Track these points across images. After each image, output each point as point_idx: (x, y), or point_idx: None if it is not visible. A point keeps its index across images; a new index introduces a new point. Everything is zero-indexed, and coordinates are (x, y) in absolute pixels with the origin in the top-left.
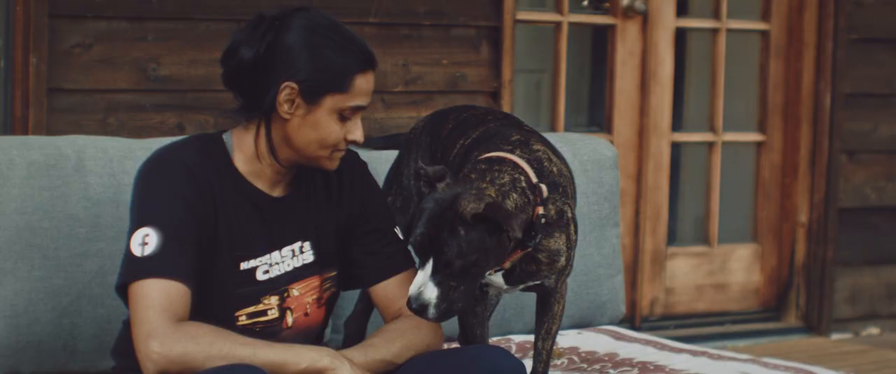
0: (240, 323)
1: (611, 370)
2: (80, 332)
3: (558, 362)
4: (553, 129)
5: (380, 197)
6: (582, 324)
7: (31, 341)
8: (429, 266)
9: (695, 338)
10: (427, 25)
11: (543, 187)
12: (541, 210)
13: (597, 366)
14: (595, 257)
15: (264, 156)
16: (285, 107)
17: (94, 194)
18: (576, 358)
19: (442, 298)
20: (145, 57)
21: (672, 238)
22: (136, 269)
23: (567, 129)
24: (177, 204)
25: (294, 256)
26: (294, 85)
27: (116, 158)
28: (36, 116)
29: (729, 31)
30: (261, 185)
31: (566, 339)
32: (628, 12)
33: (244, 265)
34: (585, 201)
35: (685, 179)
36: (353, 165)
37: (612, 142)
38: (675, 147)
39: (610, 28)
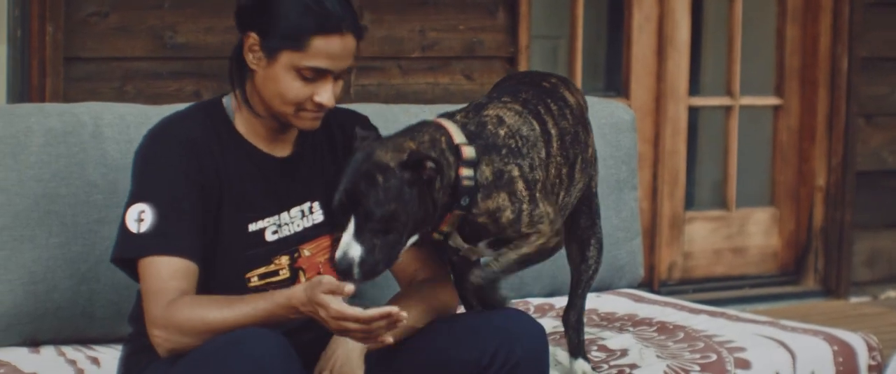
0: (252, 284)
1: (630, 328)
2: (99, 298)
3: None
4: None
5: None
6: (600, 287)
7: (50, 307)
8: (351, 225)
9: (713, 302)
10: None
11: (465, 149)
12: (464, 171)
13: (617, 324)
14: (613, 221)
15: (243, 108)
16: (250, 56)
17: (111, 161)
18: (596, 317)
19: (366, 254)
20: (162, 25)
21: (690, 202)
22: (134, 246)
23: (584, 94)
24: (174, 179)
25: (304, 216)
26: (255, 36)
27: (133, 125)
28: (53, 84)
29: None
30: (263, 145)
31: (585, 301)
32: None
33: (252, 227)
34: (603, 164)
35: (703, 143)
36: (356, 126)
37: (629, 106)
38: (693, 111)
39: None
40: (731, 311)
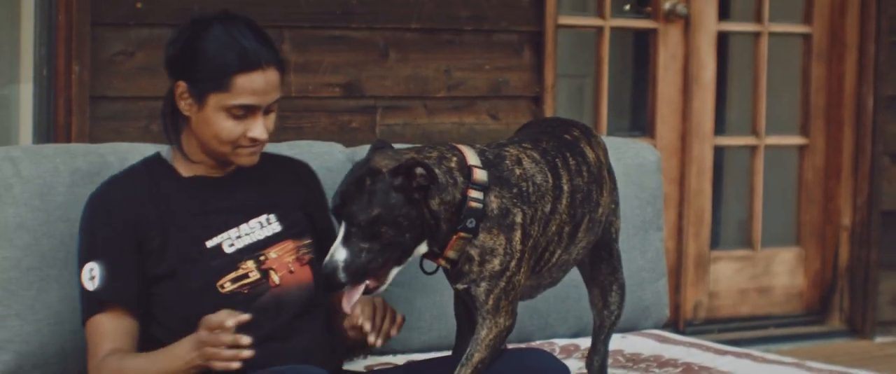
0: (225, 290)
1: (656, 370)
2: None
3: None
4: None
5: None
6: (626, 328)
7: (76, 347)
8: (342, 230)
9: (739, 342)
10: (469, 31)
11: (478, 171)
12: (472, 193)
13: (642, 365)
14: (638, 261)
15: (178, 154)
16: (182, 104)
17: None
18: (621, 358)
19: (350, 259)
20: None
21: (715, 242)
22: (96, 302)
23: (610, 133)
24: (114, 236)
25: (262, 227)
26: (183, 83)
27: None
28: (79, 123)
29: (771, 34)
30: (204, 173)
31: (610, 342)
32: (670, 16)
33: (209, 243)
34: (628, 205)
35: (728, 182)
36: (302, 169)
37: (654, 146)
38: (718, 151)
39: (652, 32)
40: (756, 352)
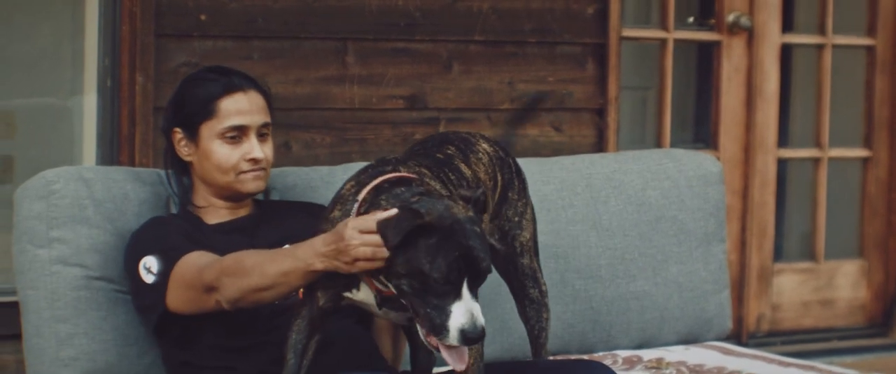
0: None
1: None
2: None
3: (666, 372)
4: (659, 145)
5: None
6: (689, 340)
7: (140, 371)
8: (465, 289)
9: (802, 354)
10: (532, 43)
11: None
12: None
13: None
14: (701, 273)
15: (198, 209)
16: (182, 150)
17: None
18: (685, 369)
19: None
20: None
21: (778, 254)
22: (158, 284)
23: (672, 145)
24: (168, 231)
25: None
26: (178, 129)
27: None
28: (142, 134)
29: (834, 46)
30: (227, 218)
31: (673, 354)
32: (733, 28)
33: None
34: (691, 216)
35: (791, 194)
36: (317, 210)
37: (718, 158)
38: (781, 163)
39: (715, 44)
40: (820, 364)
